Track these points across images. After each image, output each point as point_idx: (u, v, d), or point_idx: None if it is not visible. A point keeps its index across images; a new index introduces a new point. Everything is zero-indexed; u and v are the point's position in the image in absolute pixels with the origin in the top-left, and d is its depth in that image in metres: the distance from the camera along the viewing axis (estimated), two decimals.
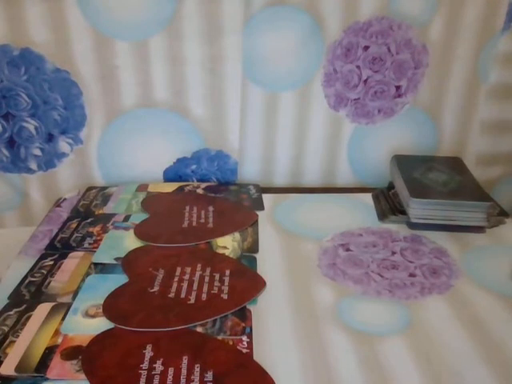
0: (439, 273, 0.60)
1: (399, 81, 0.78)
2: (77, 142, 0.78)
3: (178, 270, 0.59)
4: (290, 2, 0.72)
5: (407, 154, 0.81)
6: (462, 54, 0.77)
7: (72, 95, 0.74)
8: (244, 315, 0.52)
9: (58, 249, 0.63)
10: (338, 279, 0.59)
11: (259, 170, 0.85)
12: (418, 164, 0.77)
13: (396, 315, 0.54)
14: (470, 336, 0.51)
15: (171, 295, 0.54)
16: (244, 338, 0.49)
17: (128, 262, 0.60)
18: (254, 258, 0.62)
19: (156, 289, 0.55)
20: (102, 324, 0.50)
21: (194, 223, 0.69)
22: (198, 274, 0.58)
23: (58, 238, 0.66)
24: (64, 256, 0.62)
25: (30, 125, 0.74)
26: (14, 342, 0.48)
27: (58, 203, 0.76)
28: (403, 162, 0.78)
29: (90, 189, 0.79)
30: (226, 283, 0.56)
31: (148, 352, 0.47)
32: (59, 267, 0.60)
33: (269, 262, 0.62)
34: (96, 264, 0.60)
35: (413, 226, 0.69)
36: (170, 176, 0.83)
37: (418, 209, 0.68)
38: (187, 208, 0.73)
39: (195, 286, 0.56)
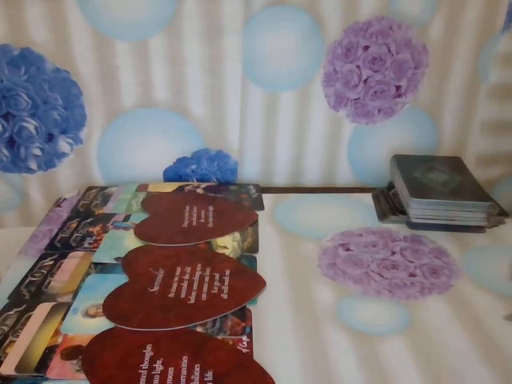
0: (439, 273, 0.60)
1: (399, 81, 0.78)
2: (77, 141, 0.78)
3: (178, 269, 0.59)
4: (290, 2, 0.72)
5: (407, 154, 0.81)
6: (462, 54, 0.77)
7: (72, 95, 0.74)
8: (244, 315, 0.52)
9: (57, 249, 0.63)
10: (338, 279, 0.59)
11: (259, 170, 0.85)
12: (418, 164, 0.77)
13: (396, 315, 0.54)
14: (470, 336, 0.51)
15: (171, 295, 0.54)
16: (244, 337, 0.49)
17: (128, 262, 0.60)
18: (254, 258, 0.62)
19: (156, 289, 0.55)
20: (101, 324, 0.50)
21: (194, 223, 0.69)
22: (197, 273, 0.58)
23: (58, 237, 0.66)
24: (64, 256, 0.62)
25: (30, 125, 0.74)
26: (14, 341, 0.48)
27: (57, 203, 0.76)
28: (403, 162, 0.78)
29: (90, 189, 0.79)
30: (226, 283, 0.56)
31: (148, 352, 0.47)
32: (59, 267, 0.60)
33: (269, 262, 0.62)
34: (96, 264, 0.60)
35: (413, 225, 0.69)
36: (169, 176, 0.83)
37: (418, 209, 0.68)
38: (187, 208, 0.73)
39: (195, 286, 0.56)
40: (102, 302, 0.53)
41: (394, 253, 0.64)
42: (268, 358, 0.47)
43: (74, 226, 0.68)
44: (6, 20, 0.68)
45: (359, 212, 0.74)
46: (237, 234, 0.67)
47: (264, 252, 0.64)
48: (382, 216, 0.72)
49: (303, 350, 0.49)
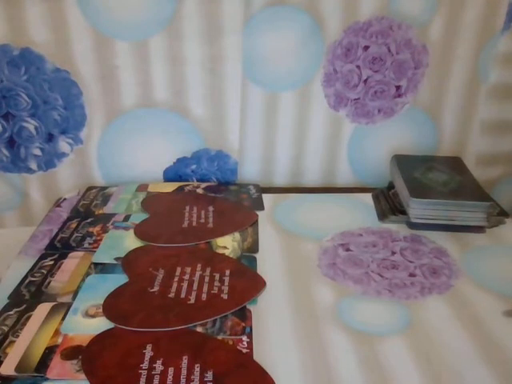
0: (439, 273, 0.60)
1: (399, 81, 0.78)
2: (77, 141, 0.78)
3: (178, 269, 0.59)
4: (290, 2, 0.72)
5: (407, 154, 0.81)
6: (462, 54, 0.77)
7: (72, 95, 0.74)
8: (244, 315, 0.52)
9: (58, 249, 0.63)
10: (338, 279, 0.59)
11: (259, 170, 0.85)
12: (418, 164, 0.77)
13: (396, 315, 0.54)
14: (470, 336, 0.51)
15: (171, 295, 0.54)
16: (244, 337, 0.49)
17: (128, 262, 0.60)
18: (254, 258, 0.62)
19: (156, 289, 0.55)
20: (101, 324, 0.50)
21: (194, 223, 0.69)
22: (197, 273, 0.58)
23: (58, 237, 0.66)
24: (64, 256, 0.62)
25: (30, 125, 0.74)
26: (14, 341, 0.48)
27: (58, 203, 0.76)
28: (403, 162, 0.78)
29: (90, 189, 0.79)
30: (226, 283, 0.56)
31: (148, 352, 0.47)
32: (59, 267, 0.60)
33: (269, 262, 0.62)
34: (96, 264, 0.60)
35: (413, 225, 0.69)
36: (169, 176, 0.83)
37: (418, 209, 0.68)
38: (187, 208, 0.73)
39: (195, 286, 0.56)
40: (101, 302, 0.53)
41: (394, 253, 0.64)
42: (268, 358, 0.47)
43: (73, 226, 0.68)
44: (5, 20, 0.68)
45: (359, 212, 0.74)
46: (237, 234, 0.67)
47: (264, 252, 0.64)
48: (382, 216, 0.72)
49: (303, 350, 0.49)
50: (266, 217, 0.72)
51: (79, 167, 0.80)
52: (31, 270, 0.59)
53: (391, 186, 0.78)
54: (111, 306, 0.53)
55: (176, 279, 0.57)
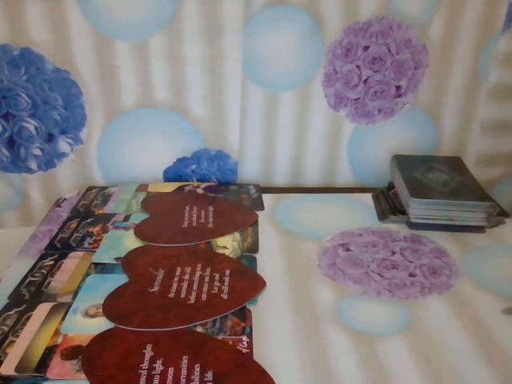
0: (439, 273, 0.60)
1: (399, 81, 0.78)
2: (77, 141, 0.78)
3: (178, 269, 0.59)
4: (290, 2, 0.72)
5: (407, 154, 0.81)
6: (462, 54, 0.77)
7: (72, 95, 0.74)
8: (244, 315, 0.52)
9: (58, 249, 0.63)
10: (338, 279, 0.59)
11: (259, 170, 0.85)
12: (418, 164, 0.77)
13: (396, 315, 0.54)
14: (470, 336, 0.51)
15: (171, 295, 0.54)
16: (244, 337, 0.49)
17: (128, 262, 0.60)
18: (254, 258, 0.62)
19: (156, 289, 0.55)
20: (101, 324, 0.50)
21: (194, 223, 0.69)
22: (197, 273, 0.58)
23: (58, 237, 0.66)
24: (64, 256, 0.62)
25: (30, 125, 0.74)
26: (14, 341, 0.48)
27: (58, 203, 0.76)
28: (403, 162, 0.78)
29: (90, 189, 0.79)
30: (226, 283, 0.56)
31: (148, 352, 0.47)
32: (59, 267, 0.60)
33: (269, 262, 0.62)
34: (96, 264, 0.60)
35: (413, 225, 0.69)
36: (169, 176, 0.83)
37: (418, 209, 0.68)
38: (187, 208, 0.73)
39: (195, 286, 0.56)
40: (102, 302, 0.53)
41: (394, 253, 0.64)
42: (268, 358, 0.47)
43: (74, 226, 0.68)
44: (6, 20, 0.68)
45: (359, 212, 0.74)
46: (237, 234, 0.67)
47: (264, 252, 0.64)
48: (382, 216, 0.72)
49: (303, 350, 0.49)
50: (266, 217, 0.72)
51: (79, 167, 0.80)
52: (31, 270, 0.59)
53: (391, 186, 0.78)
54: (111, 306, 0.53)
55: (176, 279, 0.57)
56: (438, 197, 0.68)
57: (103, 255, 0.62)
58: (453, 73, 0.79)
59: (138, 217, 0.70)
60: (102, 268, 0.60)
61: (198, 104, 0.77)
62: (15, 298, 0.55)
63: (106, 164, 0.80)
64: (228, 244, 0.65)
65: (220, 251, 0.63)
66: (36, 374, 0.45)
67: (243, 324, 0.51)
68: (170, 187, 0.79)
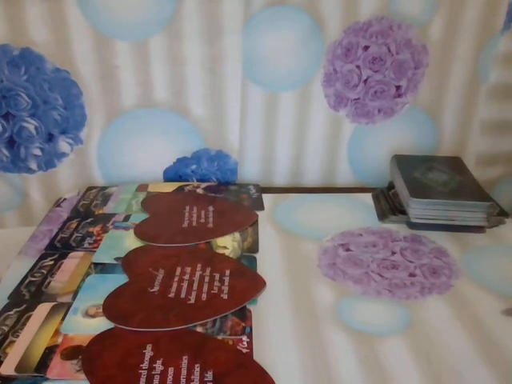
0: (439, 273, 0.60)
1: (399, 81, 0.78)
2: (77, 141, 0.78)
3: (178, 269, 0.59)
4: (290, 2, 0.72)
5: (407, 154, 0.81)
6: (462, 54, 0.77)
7: (72, 95, 0.74)
8: (244, 315, 0.52)
9: (58, 249, 0.63)
10: (338, 279, 0.59)
11: (259, 170, 0.85)
12: (418, 164, 0.77)
13: (396, 315, 0.54)
14: (470, 336, 0.51)
15: (171, 295, 0.54)
16: (244, 337, 0.49)
17: (128, 262, 0.60)
18: (254, 258, 0.62)
19: (156, 289, 0.55)
20: (101, 324, 0.50)
21: (194, 223, 0.69)
22: (197, 273, 0.58)
23: (58, 237, 0.66)
24: (64, 256, 0.62)
25: (30, 125, 0.74)
26: (14, 341, 0.48)
27: (57, 203, 0.76)
28: (403, 162, 0.78)
29: (90, 189, 0.79)
30: (226, 283, 0.56)
31: (148, 352, 0.47)
32: (59, 267, 0.60)
33: (269, 262, 0.62)
34: (96, 264, 0.60)
35: (413, 225, 0.69)
36: (169, 176, 0.83)
37: (418, 209, 0.68)
38: (187, 208, 0.73)
39: (195, 286, 0.56)
40: (102, 302, 0.53)
41: (394, 253, 0.64)
42: (268, 358, 0.47)
43: (74, 226, 0.68)
44: (6, 20, 0.68)
45: (359, 212, 0.74)
46: (237, 234, 0.67)
47: (264, 252, 0.64)
48: (382, 216, 0.72)
49: (303, 350, 0.49)
50: (266, 217, 0.72)
51: (79, 167, 0.80)
52: (31, 270, 0.59)
53: (391, 186, 0.78)
54: (111, 306, 0.53)
55: (176, 279, 0.57)
56: (437, 197, 0.68)
57: (103, 255, 0.62)
58: (453, 73, 0.79)
59: (138, 217, 0.70)
60: (102, 268, 0.60)
61: (198, 104, 0.77)
62: (15, 297, 0.55)
63: (106, 164, 0.80)
64: (228, 244, 0.65)
65: (220, 251, 0.63)
66: (36, 374, 0.45)
67: (243, 324, 0.51)
68: (170, 187, 0.79)
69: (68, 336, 0.49)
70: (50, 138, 0.76)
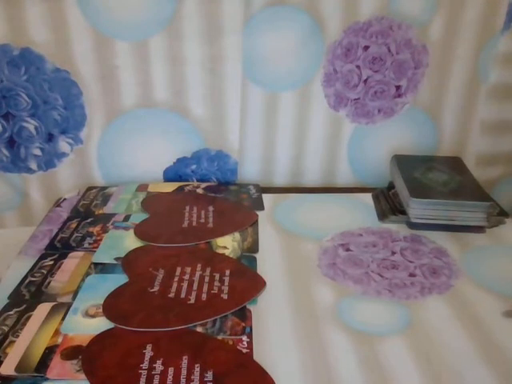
0: (439, 273, 0.60)
1: (399, 81, 0.78)
2: (77, 141, 0.78)
3: (178, 269, 0.59)
4: (290, 2, 0.72)
5: (407, 154, 0.81)
6: (462, 54, 0.77)
7: (72, 95, 0.74)
8: (244, 315, 0.52)
9: (58, 249, 0.63)
10: (338, 279, 0.59)
11: (259, 170, 0.85)
12: (418, 164, 0.77)
13: (396, 315, 0.54)
14: (470, 336, 0.51)
15: (171, 295, 0.54)
16: (244, 337, 0.49)
17: (128, 262, 0.60)
18: (254, 258, 0.62)
19: (156, 289, 0.55)
20: (101, 324, 0.50)
21: (194, 223, 0.69)
22: (197, 273, 0.58)
23: (58, 237, 0.66)
24: (64, 256, 0.62)
25: (30, 125, 0.74)
26: (14, 341, 0.48)
27: (58, 203, 0.76)
28: (403, 162, 0.78)
29: (90, 189, 0.79)
30: (226, 283, 0.56)
31: (148, 352, 0.47)
32: (59, 267, 0.60)
33: (269, 262, 0.62)
34: (96, 264, 0.60)
35: (413, 225, 0.69)
36: (169, 176, 0.83)
37: (418, 209, 0.68)
38: (187, 208, 0.73)
39: (195, 286, 0.56)
40: (101, 302, 0.53)
41: (394, 253, 0.64)
42: (268, 358, 0.47)
43: (73, 226, 0.68)
44: (6, 20, 0.68)
45: (359, 212, 0.74)
46: (237, 234, 0.67)
47: (264, 252, 0.64)
48: (382, 216, 0.72)
49: (303, 350, 0.49)
50: (266, 217, 0.72)
51: (79, 167, 0.80)
52: (31, 270, 0.59)
53: (391, 186, 0.78)
54: (111, 306, 0.53)
55: (176, 279, 0.57)
56: (437, 197, 0.68)
57: (103, 255, 0.62)
58: (453, 73, 0.79)
59: (138, 217, 0.70)
60: (102, 268, 0.60)
61: (198, 104, 0.77)
62: (15, 297, 0.54)
63: (106, 164, 0.80)
64: (228, 244, 0.65)
65: (220, 251, 0.63)
66: (36, 374, 0.45)
67: (243, 324, 0.51)
68: (170, 187, 0.79)
69: (68, 336, 0.49)
70: (50, 138, 0.76)
